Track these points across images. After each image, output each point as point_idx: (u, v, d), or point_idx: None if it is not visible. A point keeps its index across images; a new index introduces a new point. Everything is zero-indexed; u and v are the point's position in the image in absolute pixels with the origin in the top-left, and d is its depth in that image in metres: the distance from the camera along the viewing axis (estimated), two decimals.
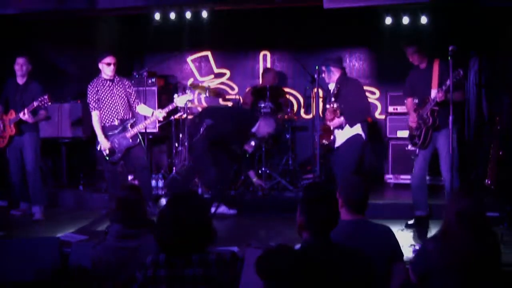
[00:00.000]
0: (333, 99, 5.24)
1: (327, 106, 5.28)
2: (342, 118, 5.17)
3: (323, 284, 2.25)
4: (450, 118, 4.52)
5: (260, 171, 6.51)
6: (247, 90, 7.63)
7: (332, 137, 5.23)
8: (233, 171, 6.22)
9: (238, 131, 5.78)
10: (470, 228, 2.54)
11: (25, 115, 5.47)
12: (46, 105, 5.54)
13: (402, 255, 2.94)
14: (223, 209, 5.76)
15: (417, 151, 5.16)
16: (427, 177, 5.83)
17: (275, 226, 5.24)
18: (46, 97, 5.44)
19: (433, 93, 4.88)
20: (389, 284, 2.83)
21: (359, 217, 2.87)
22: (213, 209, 5.63)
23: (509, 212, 4.95)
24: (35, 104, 5.45)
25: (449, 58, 4.53)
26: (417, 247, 4.22)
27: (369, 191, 2.96)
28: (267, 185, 6.34)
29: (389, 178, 6.77)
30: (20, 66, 5.66)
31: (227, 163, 5.94)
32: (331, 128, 5.28)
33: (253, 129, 5.81)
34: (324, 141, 5.23)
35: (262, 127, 5.79)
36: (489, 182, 5.52)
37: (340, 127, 5.22)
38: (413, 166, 5.18)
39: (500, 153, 5.56)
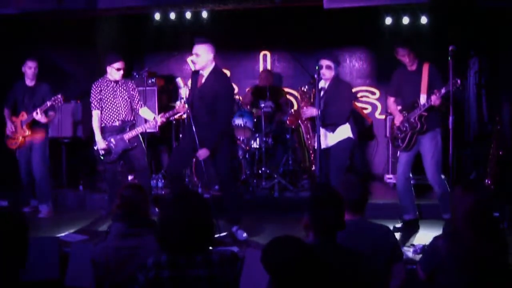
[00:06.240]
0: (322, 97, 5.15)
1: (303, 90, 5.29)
2: (314, 110, 4.92)
3: (325, 284, 2.25)
4: (450, 118, 4.51)
5: (260, 171, 6.50)
6: (247, 90, 7.64)
7: (296, 122, 4.93)
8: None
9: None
10: (478, 226, 2.56)
11: (38, 115, 5.57)
12: (60, 104, 5.68)
13: (401, 255, 2.94)
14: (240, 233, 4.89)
15: (398, 153, 5.18)
16: (411, 176, 5.84)
17: (275, 226, 5.24)
18: (59, 96, 5.55)
19: (422, 98, 4.80)
20: (389, 285, 2.83)
21: (358, 217, 2.87)
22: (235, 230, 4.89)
23: (509, 212, 4.96)
24: (49, 103, 5.56)
25: (449, 58, 4.54)
26: (417, 248, 4.23)
27: (368, 191, 2.95)
28: (267, 185, 6.32)
29: (389, 178, 6.75)
30: (31, 69, 5.75)
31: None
32: (303, 117, 5.15)
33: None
34: (288, 124, 4.97)
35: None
36: (489, 182, 5.52)
37: (332, 130, 4.98)
38: (396, 169, 5.17)
39: (500, 153, 5.56)
